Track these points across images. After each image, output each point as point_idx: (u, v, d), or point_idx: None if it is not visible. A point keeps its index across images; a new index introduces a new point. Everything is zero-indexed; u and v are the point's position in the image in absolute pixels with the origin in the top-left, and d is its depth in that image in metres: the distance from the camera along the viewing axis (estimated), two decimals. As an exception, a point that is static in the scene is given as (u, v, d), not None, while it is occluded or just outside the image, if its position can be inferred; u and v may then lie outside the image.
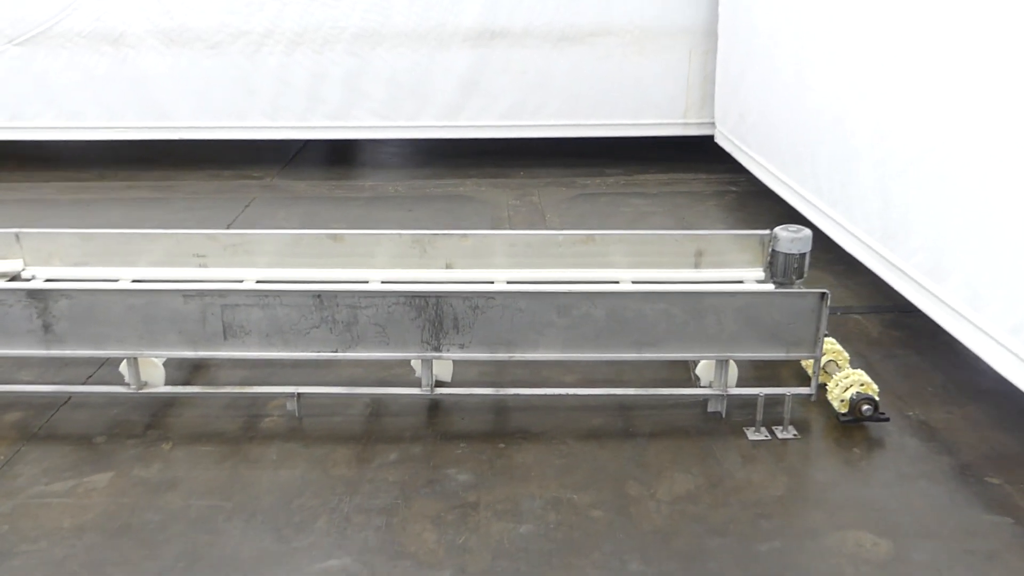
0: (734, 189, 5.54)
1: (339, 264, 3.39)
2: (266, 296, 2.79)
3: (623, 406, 2.95)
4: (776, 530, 2.35)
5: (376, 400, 2.96)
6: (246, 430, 2.85)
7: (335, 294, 2.78)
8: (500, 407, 2.96)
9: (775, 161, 4.60)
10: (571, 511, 2.43)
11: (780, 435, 2.80)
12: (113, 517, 2.41)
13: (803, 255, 3.37)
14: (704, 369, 2.97)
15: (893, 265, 3.38)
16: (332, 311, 2.80)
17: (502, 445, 2.77)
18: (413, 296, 2.78)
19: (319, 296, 2.78)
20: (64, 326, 2.81)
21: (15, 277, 3.38)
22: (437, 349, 2.84)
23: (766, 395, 2.80)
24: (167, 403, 2.97)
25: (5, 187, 5.77)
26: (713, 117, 5.83)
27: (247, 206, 5.35)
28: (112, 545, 2.29)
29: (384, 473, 2.61)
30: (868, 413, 2.77)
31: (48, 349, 2.84)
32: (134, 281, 3.33)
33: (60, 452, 2.73)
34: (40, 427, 2.86)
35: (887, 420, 2.81)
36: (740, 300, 2.80)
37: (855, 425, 2.81)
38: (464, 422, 2.90)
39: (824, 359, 3.02)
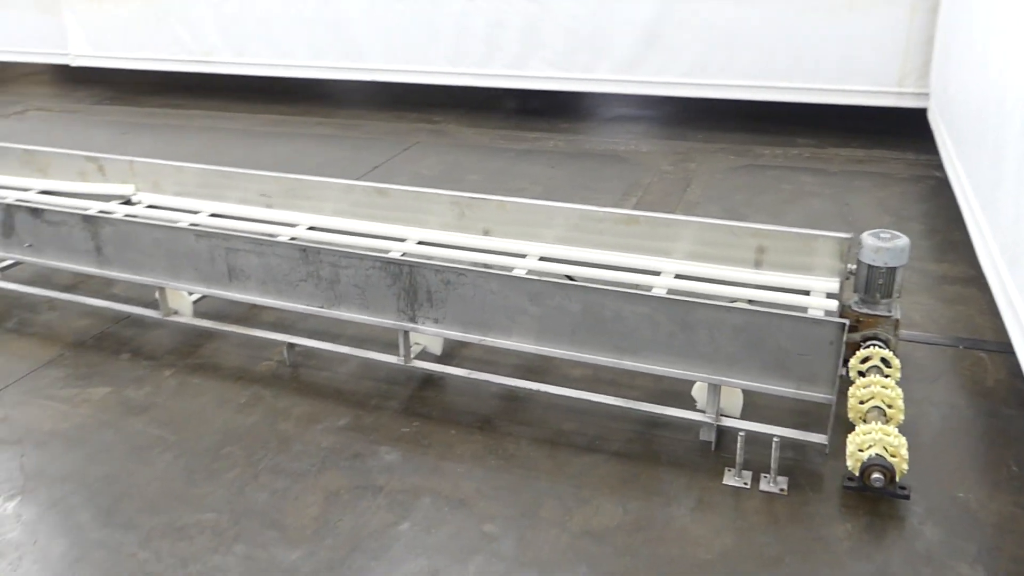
0: (938, 175, 4.57)
1: (380, 218, 3.34)
2: (260, 244, 2.84)
3: (610, 415, 2.60)
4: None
5: (368, 362, 2.90)
6: (240, 370, 2.95)
7: (318, 250, 2.75)
8: (482, 390, 2.76)
9: (954, 150, 3.71)
10: (465, 518, 2.21)
11: (763, 486, 2.30)
12: (81, 429, 2.64)
13: (892, 270, 2.70)
14: (698, 391, 2.52)
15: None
16: (317, 267, 2.77)
17: (453, 432, 2.59)
18: (388, 263, 2.67)
19: (304, 250, 2.77)
20: (111, 250, 3.10)
21: (127, 200, 3.78)
22: (413, 320, 2.70)
23: (779, 437, 2.30)
24: (199, 334, 3.16)
25: (221, 116, 6.47)
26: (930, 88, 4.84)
27: (406, 149, 5.49)
28: (58, 454, 2.51)
29: (322, 437, 2.57)
30: (878, 484, 2.17)
31: (100, 268, 3.15)
32: (211, 215, 3.57)
33: (88, 361, 3.03)
34: (89, 339, 3.20)
35: (907, 498, 2.19)
36: (737, 317, 2.31)
37: (864, 494, 2.22)
38: (433, 399, 2.76)
39: (868, 403, 2.42)
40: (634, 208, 4.33)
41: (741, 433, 2.29)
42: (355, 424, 2.63)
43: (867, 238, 2.73)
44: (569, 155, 5.29)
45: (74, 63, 7.15)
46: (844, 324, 2.21)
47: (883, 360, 2.62)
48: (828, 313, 2.64)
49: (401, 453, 2.48)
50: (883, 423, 2.34)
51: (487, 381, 2.70)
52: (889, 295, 2.75)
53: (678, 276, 2.92)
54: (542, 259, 3.08)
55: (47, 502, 2.32)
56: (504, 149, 5.46)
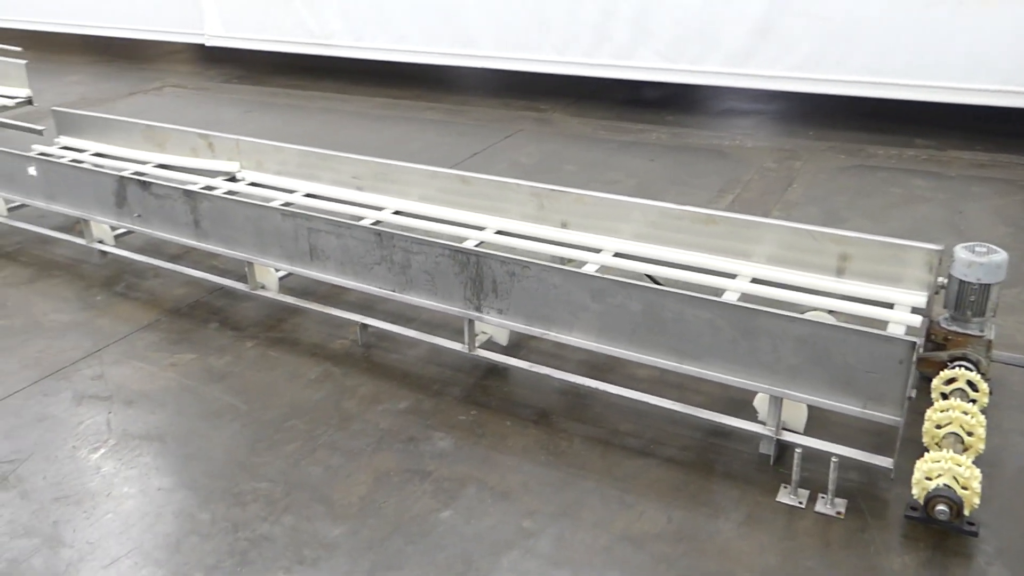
0: (1072, 186, 4.22)
1: (463, 205, 3.38)
2: (339, 226, 2.92)
3: (669, 419, 2.55)
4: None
5: (436, 348, 2.95)
6: (316, 347, 3.07)
7: (392, 235, 2.81)
8: (543, 384, 2.76)
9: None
10: (506, 511, 2.22)
11: (819, 507, 2.20)
12: (164, 391, 2.81)
13: (986, 286, 2.51)
14: (760, 402, 2.42)
15: None
16: (390, 251, 2.84)
17: (508, 423, 2.60)
18: (456, 251, 2.70)
19: (379, 235, 2.84)
20: (207, 224, 3.28)
21: (232, 177, 3.97)
22: (479, 309, 2.73)
23: (838, 457, 2.20)
24: (283, 308, 3.29)
25: (338, 97, 6.69)
26: (1072, 89, 4.44)
27: (508, 136, 5.51)
28: (141, 413, 2.69)
29: (381, 418, 2.63)
30: (942, 516, 2.03)
31: (197, 241, 3.33)
32: (305, 195, 3.71)
33: (180, 328, 3.22)
34: (184, 306, 3.40)
35: (975, 534, 2.04)
36: (801, 328, 2.20)
37: (929, 526, 2.09)
38: (494, 388, 2.77)
39: (945, 428, 2.27)
40: (729, 206, 4.20)
41: (798, 449, 2.19)
42: (415, 408, 2.69)
43: (960, 251, 2.55)
44: (671, 148, 5.17)
45: (208, 43, 7.56)
46: (915, 343, 2.07)
47: (969, 383, 2.45)
48: (911, 329, 2.49)
49: (454, 440, 2.52)
50: (959, 451, 2.19)
51: (548, 375, 2.69)
52: (982, 313, 2.56)
53: (754, 280, 2.82)
54: (617, 255, 3.04)
55: (126, 457, 2.49)
56: (605, 140, 5.39)
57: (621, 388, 2.57)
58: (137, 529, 2.20)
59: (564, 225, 3.21)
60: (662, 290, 2.38)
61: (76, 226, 3.81)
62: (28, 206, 3.94)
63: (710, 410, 2.47)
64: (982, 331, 2.58)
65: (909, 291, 2.65)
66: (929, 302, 2.62)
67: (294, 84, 7.15)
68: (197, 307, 3.39)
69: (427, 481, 2.35)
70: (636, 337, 2.47)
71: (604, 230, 3.13)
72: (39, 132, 4.60)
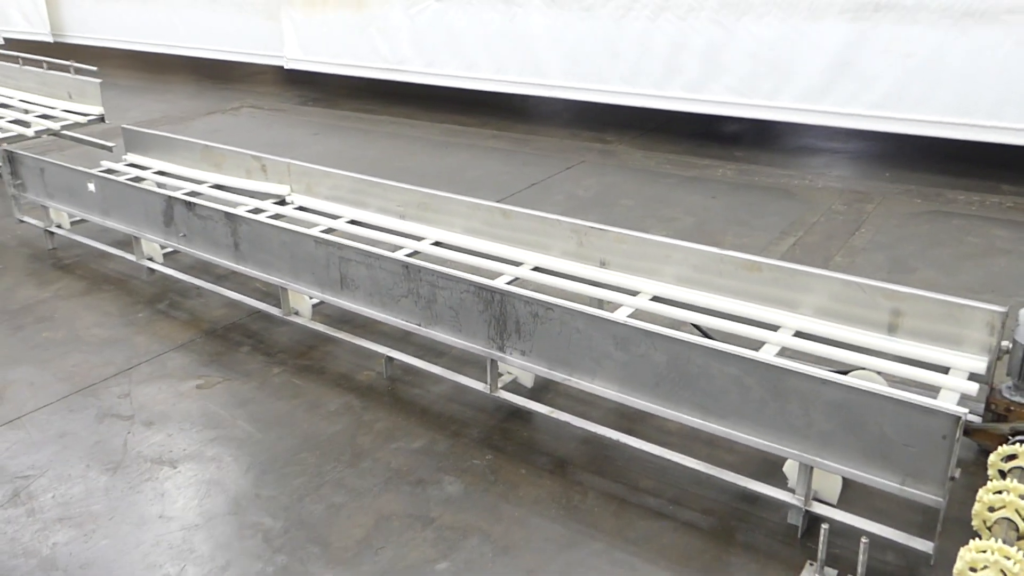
0: None
1: (504, 239, 3.29)
2: (369, 256, 2.87)
3: (694, 479, 2.38)
4: None
5: (459, 386, 2.85)
6: (341, 377, 3.01)
7: (419, 268, 2.74)
8: (565, 431, 2.63)
9: None
10: (504, 567, 2.10)
11: (846, 590, 2.00)
12: (185, 415, 2.80)
13: (1056, 356, 2.27)
14: (790, 468, 2.23)
15: None
16: (417, 284, 2.77)
17: (523, 471, 2.48)
18: (481, 288, 2.60)
19: (406, 267, 2.77)
20: (246, 247, 3.28)
21: (282, 200, 4.00)
22: (502, 349, 2.62)
23: (868, 537, 2.00)
24: (315, 335, 3.25)
25: (406, 123, 6.73)
26: None
27: (569, 167, 5.42)
28: (158, 436, 2.68)
29: (392, 456, 2.55)
30: (982, 615, 1.81)
31: (236, 263, 3.34)
32: (349, 221, 3.69)
33: (213, 350, 3.22)
34: (220, 328, 3.41)
35: (1019, 639, 1.81)
36: (834, 392, 2.02)
37: (967, 623, 1.86)
38: (514, 432, 2.66)
39: (998, 512, 2.04)
40: (789, 250, 3.99)
41: (825, 525, 2.00)
42: (429, 448, 2.59)
43: (1027, 316, 2.31)
44: (735, 186, 4.98)
45: (287, 66, 7.75)
46: (960, 417, 1.86)
47: (1033, 462, 2.21)
48: (964, 398, 2.26)
49: (464, 485, 2.41)
50: (1011, 540, 1.96)
51: (568, 423, 2.56)
52: (1050, 387, 2.31)
53: (797, 334, 2.63)
54: (655, 299, 2.89)
55: (134, 481, 2.47)
56: (668, 175, 5.24)
57: (644, 442, 2.42)
58: (129, 558, 2.17)
59: (603, 264, 3.08)
60: (688, 341, 2.22)
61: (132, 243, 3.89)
62: (88, 221, 4.05)
63: (740, 472, 2.29)
64: (1049, 404, 2.33)
65: (968, 355, 2.42)
66: (990, 368, 2.39)
67: (365, 108, 7.25)
68: (233, 329, 3.39)
69: (429, 528, 2.24)
70: (660, 390, 2.32)
71: (644, 271, 2.99)
72: (109, 148, 4.76)
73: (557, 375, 2.52)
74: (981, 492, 2.11)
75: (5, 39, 9.91)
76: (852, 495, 2.23)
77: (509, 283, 3.06)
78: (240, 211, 3.33)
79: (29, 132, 4.43)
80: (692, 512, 2.29)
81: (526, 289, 2.59)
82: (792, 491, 2.20)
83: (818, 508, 2.15)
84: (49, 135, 4.75)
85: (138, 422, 2.76)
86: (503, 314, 2.58)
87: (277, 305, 3.29)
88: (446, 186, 5.07)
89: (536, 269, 3.17)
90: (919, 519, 2.21)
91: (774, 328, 2.67)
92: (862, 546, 1.96)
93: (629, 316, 2.78)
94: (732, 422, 2.21)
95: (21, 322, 3.48)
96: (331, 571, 2.10)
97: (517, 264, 3.20)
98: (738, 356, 2.15)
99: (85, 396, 2.92)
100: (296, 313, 3.27)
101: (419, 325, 2.82)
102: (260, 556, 2.16)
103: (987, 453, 2.28)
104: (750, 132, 5.98)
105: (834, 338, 2.58)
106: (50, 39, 9.72)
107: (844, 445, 2.05)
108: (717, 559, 2.11)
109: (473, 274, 2.68)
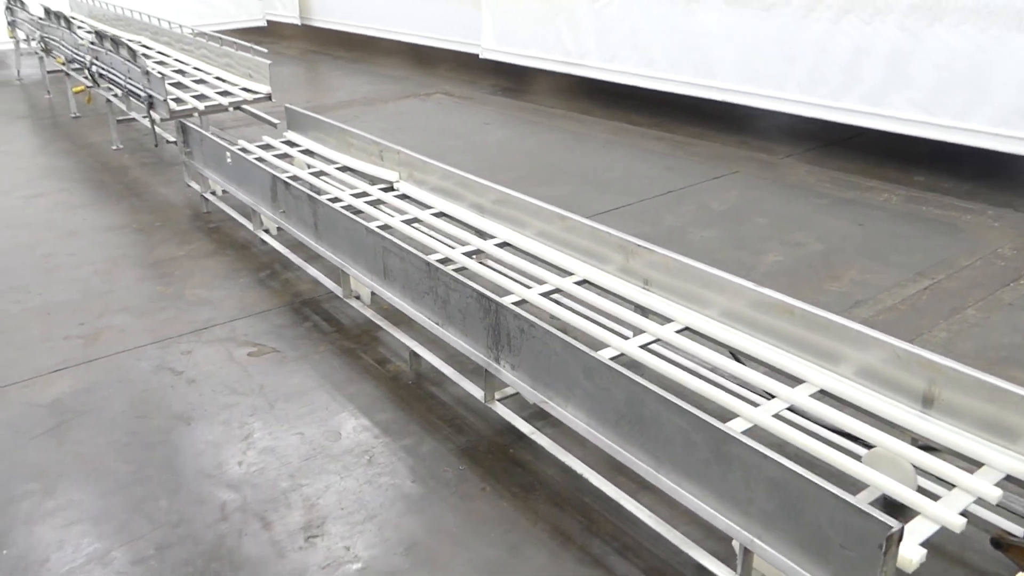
0: None
1: (565, 246, 3.18)
2: (402, 250, 2.90)
3: (657, 535, 2.16)
4: None
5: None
6: (373, 365, 3.08)
7: (437, 268, 2.73)
8: (550, 458, 2.49)
9: None
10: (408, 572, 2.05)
11: None
12: (226, 379, 3.00)
13: (1111, 473, 1.79)
14: (736, 543, 1.95)
15: None
16: (435, 283, 2.76)
17: (487, 488, 2.39)
18: (481, 296, 2.54)
19: (428, 265, 2.77)
20: (322, 228, 3.44)
21: (391, 186, 4.13)
22: (497, 360, 2.55)
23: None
24: (371, 322, 3.34)
25: (576, 118, 6.66)
26: None
27: (717, 178, 5.08)
28: (195, 394, 2.90)
29: (375, 448, 2.57)
30: None
31: (314, 241, 3.52)
32: (436, 213, 3.74)
33: (282, 320, 3.43)
34: (298, 302, 3.61)
35: None
36: (773, 469, 1.74)
37: None
38: (502, 449, 2.57)
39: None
40: (916, 294, 3.47)
41: (734, 616, 1.74)
42: (413, 447, 2.58)
43: (1085, 416, 1.84)
44: (894, 214, 4.41)
45: (482, 55, 7.96)
46: (900, 528, 1.53)
47: (1056, 600, 1.77)
48: (985, 501, 1.86)
49: (425, 491, 2.38)
50: None
51: (543, 447, 2.43)
52: (1103, 509, 1.83)
53: (821, 392, 2.29)
54: (681, 331, 2.66)
55: (153, 435, 2.71)
56: (823, 195, 4.75)
57: (603, 480, 2.24)
58: (91, 494, 2.39)
59: (647, 282, 2.88)
60: (640, 384, 2.02)
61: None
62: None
63: (701, 538, 2.06)
64: (1105, 530, 1.85)
65: (1008, 450, 1.98)
66: (1034, 471, 1.94)
67: (545, 101, 7.28)
68: (307, 304, 3.59)
69: (371, 522, 2.25)
70: (620, 429, 2.14)
71: (685, 297, 2.75)
72: (274, 125, 5.18)
73: (538, 395, 2.41)
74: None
75: (269, 21, 11.20)
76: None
77: (547, 293, 2.97)
78: (322, 198, 3.49)
79: (201, 107, 4.96)
80: (633, 568, 2.09)
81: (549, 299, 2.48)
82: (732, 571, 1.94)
83: (757, 596, 1.88)
84: (220, 110, 5.27)
85: (184, 379, 3.02)
86: (498, 324, 2.50)
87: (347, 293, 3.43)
88: (579, 185, 5.01)
89: (584, 282, 3.03)
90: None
91: (800, 381, 2.35)
92: (768, 651, 1.69)
93: (641, 346, 2.59)
94: (681, 477, 1.99)
95: (147, 275, 3.92)
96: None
97: (569, 274, 3.08)
98: (684, 409, 1.92)
99: (157, 348, 3.23)
100: (357, 297, 3.39)
101: (437, 323, 2.82)
102: (211, 525, 2.28)
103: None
104: (938, 153, 5.25)
105: (865, 404, 2.22)
106: (299, 23, 10.81)
107: (783, 528, 1.76)
108: (626, 626, 1.92)
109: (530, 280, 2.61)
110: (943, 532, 1.81)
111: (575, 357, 2.22)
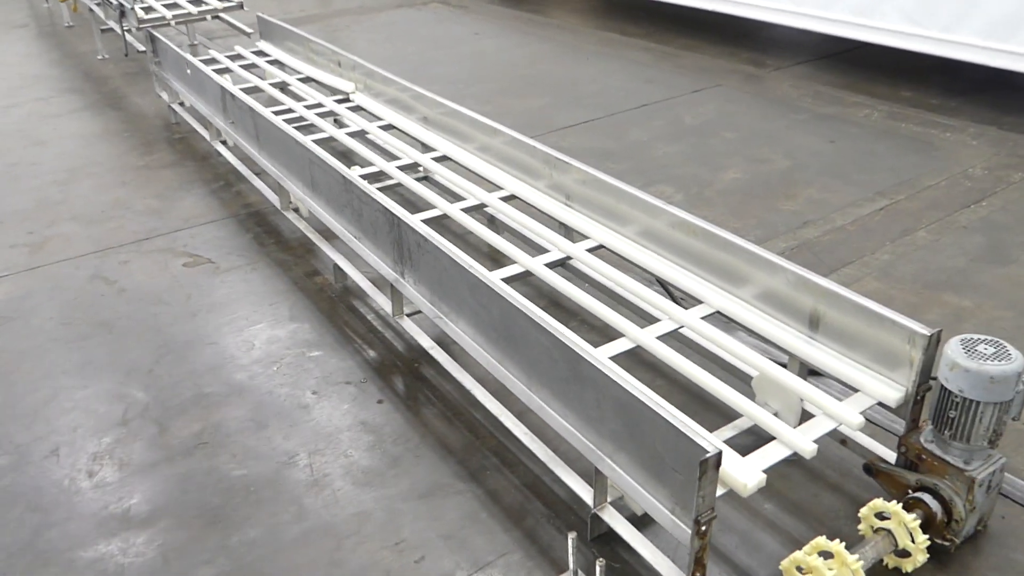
0: None
1: (495, 159, 3.12)
2: (324, 163, 2.86)
3: (530, 454, 2.17)
4: None
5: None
6: (302, 278, 3.09)
7: (351, 182, 2.69)
8: (454, 380, 2.51)
9: None
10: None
11: (587, 608, 1.75)
12: (156, 286, 3.04)
13: (974, 404, 1.74)
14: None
15: None
16: (351, 197, 2.73)
17: (380, 400, 2.42)
18: (386, 211, 2.51)
19: (344, 178, 2.73)
20: (264, 138, 3.41)
21: (346, 97, 4.06)
22: (402, 275, 2.54)
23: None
24: (306, 237, 3.35)
25: (568, 28, 6.44)
26: None
27: (697, 91, 4.90)
28: (119, 307, 2.95)
29: (289, 362, 2.60)
30: None
31: (256, 151, 3.49)
32: (384, 126, 3.67)
33: (224, 232, 3.44)
34: (244, 214, 3.61)
35: None
36: (617, 391, 1.72)
37: None
38: (408, 365, 2.58)
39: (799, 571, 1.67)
40: (870, 215, 3.36)
41: (572, 534, 1.74)
42: (324, 359, 2.61)
43: (953, 344, 1.78)
44: (870, 131, 4.23)
45: (481, -39, 7.68)
46: (717, 453, 1.51)
47: (907, 529, 1.76)
48: (839, 434, 1.82)
49: (317, 398, 2.41)
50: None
51: (442, 363, 2.44)
52: (965, 439, 1.78)
53: (718, 313, 2.25)
54: (596, 249, 2.61)
55: (73, 341, 2.76)
56: (802, 110, 4.57)
57: (490, 396, 2.25)
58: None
59: (568, 198, 2.82)
60: (510, 302, 2.00)
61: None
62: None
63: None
64: (966, 463, 1.80)
65: (881, 378, 1.93)
66: (908, 402, 1.89)
67: (539, 9, 7.04)
68: (253, 215, 3.58)
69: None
70: (499, 346, 2.13)
71: (601, 213, 2.69)
72: (248, 35, 5.10)
73: (433, 310, 2.40)
74: (795, 554, 1.72)
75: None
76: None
77: (468, 208, 2.92)
78: (265, 110, 3.43)
79: (169, 15, 4.89)
80: (507, 482, 2.11)
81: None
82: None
83: (603, 514, 1.89)
84: (192, 20, 5.18)
85: (115, 288, 3.06)
86: (400, 239, 2.48)
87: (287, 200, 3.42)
88: (555, 98, 4.89)
89: (512, 197, 2.98)
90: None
91: (699, 301, 2.30)
92: (571, 540, 1.70)
93: (547, 264, 2.56)
94: (546, 394, 1.98)
95: (103, 184, 3.93)
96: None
97: (498, 188, 3.03)
98: (546, 329, 1.90)
99: (98, 257, 3.27)
100: (295, 210, 3.38)
101: (356, 237, 2.80)
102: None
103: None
104: (937, 70, 4.99)
105: (754, 325, 2.17)
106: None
107: (629, 451, 1.76)
108: (494, 540, 1.94)
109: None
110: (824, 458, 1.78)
111: (460, 274, 2.20)
